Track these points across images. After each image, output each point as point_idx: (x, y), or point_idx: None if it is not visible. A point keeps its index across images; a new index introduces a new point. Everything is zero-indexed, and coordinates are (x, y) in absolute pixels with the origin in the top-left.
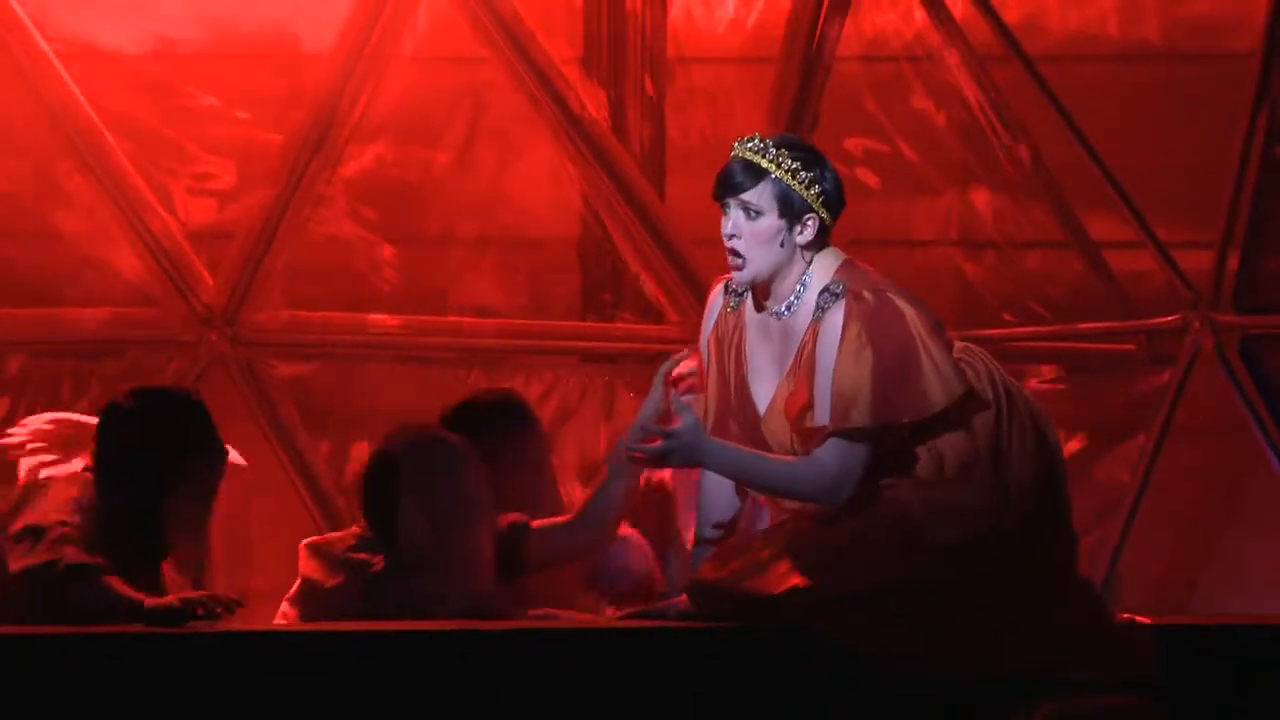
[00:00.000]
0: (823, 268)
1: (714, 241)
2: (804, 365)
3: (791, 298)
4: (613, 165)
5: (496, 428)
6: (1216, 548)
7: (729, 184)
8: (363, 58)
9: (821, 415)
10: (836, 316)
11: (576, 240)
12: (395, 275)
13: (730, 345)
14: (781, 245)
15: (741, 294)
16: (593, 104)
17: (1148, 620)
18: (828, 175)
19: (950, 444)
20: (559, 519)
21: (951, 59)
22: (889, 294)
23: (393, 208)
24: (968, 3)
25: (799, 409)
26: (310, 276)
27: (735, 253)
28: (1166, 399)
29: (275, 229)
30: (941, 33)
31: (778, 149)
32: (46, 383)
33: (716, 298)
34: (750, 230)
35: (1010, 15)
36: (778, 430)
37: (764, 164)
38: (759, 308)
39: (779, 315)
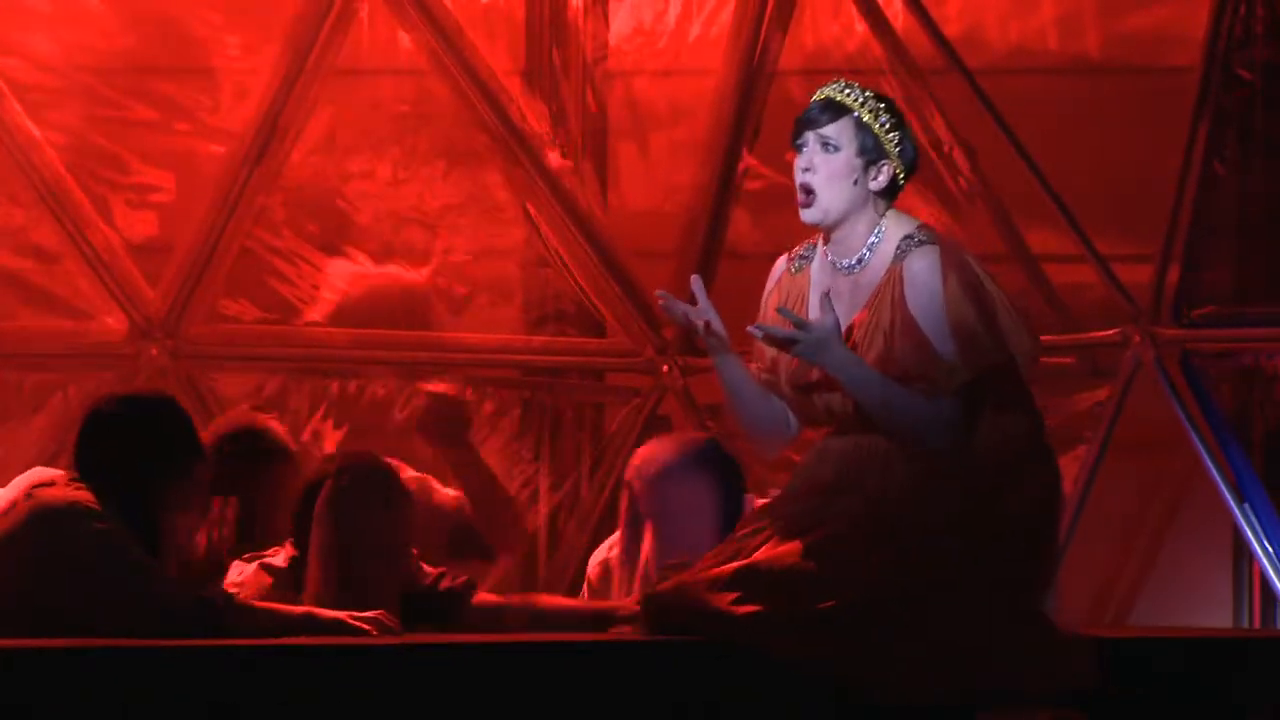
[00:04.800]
0: (899, 222)
1: (655, 254)
2: (885, 306)
3: (864, 250)
4: (554, 178)
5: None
6: (1155, 561)
7: (808, 119)
8: (304, 70)
9: (923, 358)
10: (927, 262)
11: (518, 253)
12: (336, 288)
13: (795, 306)
14: (855, 184)
15: (806, 257)
16: (534, 116)
17: (1090, 633)
18: (907, 132)
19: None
20: (510, 597)
21: (892, 72)
22: (968, 254)
23: (333, 220)
24: (909, 16)
25: (879, 349)
26: (251, 289)
27: (806, 189)
28: (1107, 413)
29: (215, 242)
30: (882, 46)
31: (863, 92)
32: None
33: (778, 266)
34: (825, 164)
35: (951, 28)
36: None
37: (847, 102)
38: (824, 264)
39: (849, 270)
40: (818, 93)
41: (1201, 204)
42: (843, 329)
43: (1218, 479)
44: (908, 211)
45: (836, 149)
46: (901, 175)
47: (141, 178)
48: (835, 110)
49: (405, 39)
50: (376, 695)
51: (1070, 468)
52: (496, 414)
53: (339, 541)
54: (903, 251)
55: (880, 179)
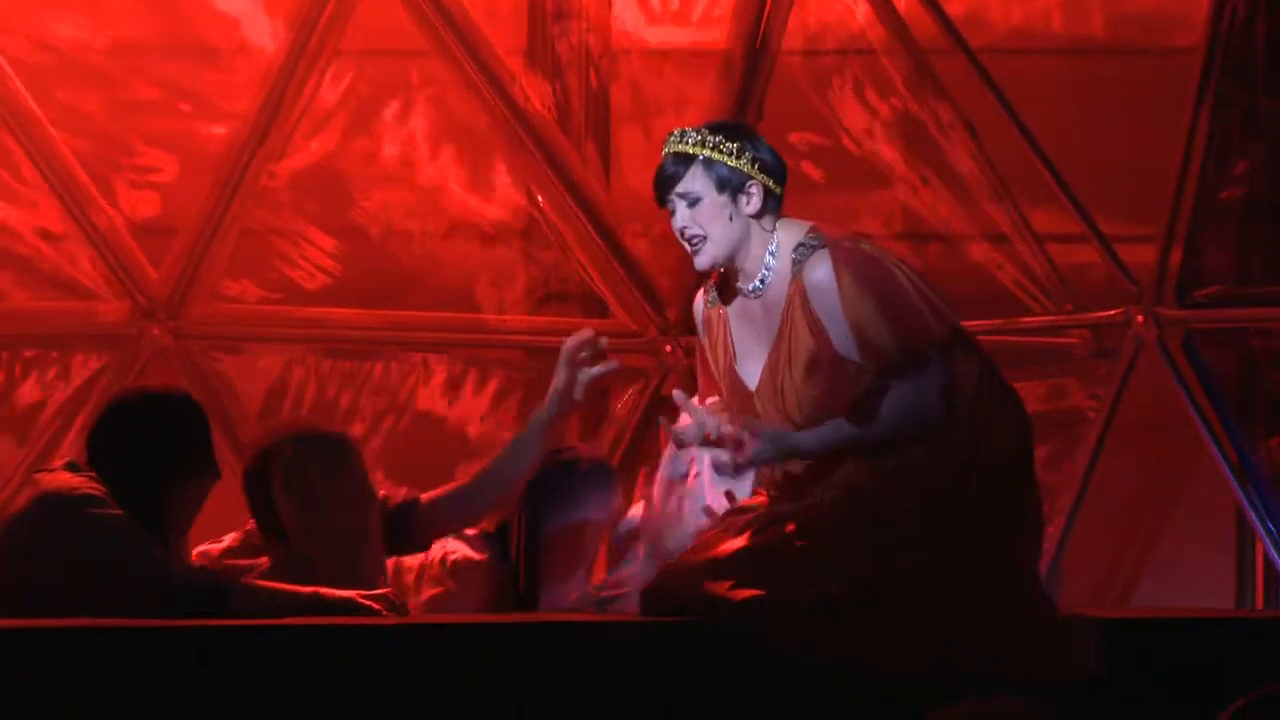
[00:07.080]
0: (790, 233)
1: (658, 235)
2: (799, 324)
3: (763, 271)
4: (557, 158)
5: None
6: (1159, 542)
7: (661, 180)
8: (306, 50)
9: (849, 361)
10: (822, 268)
11: (521, 234)
12: (339, 268)
13: (718, 341)
14: (731, 220)
15: (719, 289)
16: (537, 97)
17: (1091, 615)
18: (758, 143)
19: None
20: (449, 487)
21: (895, 52)
22: (863, 243)
23: (336, 201)
24: None
25: (804, 366)
26: (253, 270)
27: (690, 241)
28: (1109, 393)
29: (218, 222)
30: (885, 26)
31: (698, 131)
32: None
33: (698, 305)
34: (694, 217)
35: (954, 8)
36: (769, 404)
37: (689, 149)
38: (734, 292)
39: (755, 293)
40: (663, 150)
41: (1204, 185)
42: (764, 355)
43: (1220, 459)
44: (909, 195)
45: (698, 199)
46: (774, 185)
47: (144, 158)
48: (683, 162)
49: (408, 19)
50: (385, 674)
51: (1073, 448)
52: (499, 395)
53: (311, 512)
54: (798, 262)
55: (753, 202)
